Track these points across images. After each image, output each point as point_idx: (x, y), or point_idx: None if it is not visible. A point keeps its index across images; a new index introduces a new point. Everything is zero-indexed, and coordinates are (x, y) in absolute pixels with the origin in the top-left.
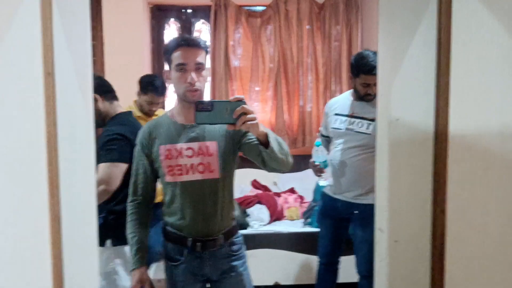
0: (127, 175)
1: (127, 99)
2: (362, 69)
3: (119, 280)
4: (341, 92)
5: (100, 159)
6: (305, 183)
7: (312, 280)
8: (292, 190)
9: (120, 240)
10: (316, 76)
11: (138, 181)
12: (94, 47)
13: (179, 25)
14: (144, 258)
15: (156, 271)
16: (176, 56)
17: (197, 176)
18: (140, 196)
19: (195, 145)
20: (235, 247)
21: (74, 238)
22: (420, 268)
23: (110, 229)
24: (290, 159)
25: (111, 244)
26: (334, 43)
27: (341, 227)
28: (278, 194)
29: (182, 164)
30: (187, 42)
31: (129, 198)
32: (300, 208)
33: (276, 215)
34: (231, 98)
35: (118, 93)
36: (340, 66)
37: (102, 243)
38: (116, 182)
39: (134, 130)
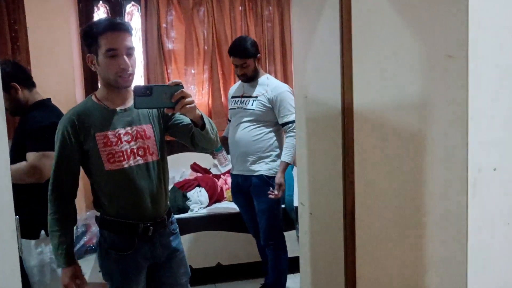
0: None
1: (54, 86)
2: (229, 51)
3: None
4: (275, 72)
5: (28, 147)
6: None
7: (254, 258)
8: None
9: None
10: None
11: (63, 175)
12: (17, 33)
13: (108, 8)
14: (74, 254)
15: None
16: (105, 41)
17: (139, 160)
18: (65, 191)
19: (132, 129)
20: (173, 226)
21: None
22: (336, 237)
23: (43, 219)
24: (218, 138)
25: (45, 234)
26: (267, 24)
27: (251, 201)
28: (217, 176)
29: (122, 150)
30: (115, 26)
31: (52, 194)
32: None
33: (216, 197)
34: (169, 82)
35: (46, 81)
36: (274, 47)
37: (36, 235)
38: (48, 172)
39: (58, 116)
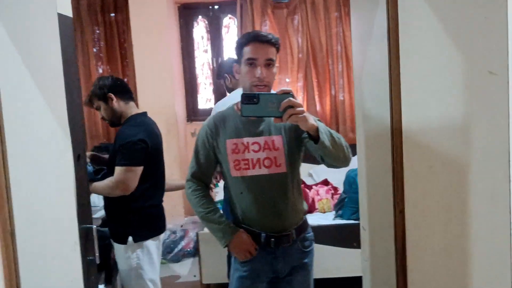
0: (142, 174)
1: (156, 98)
2: None
3: (145, 274)
4: None
5: (116, 162)
6: (340, 174)
7: (346, 273)
8: (325, 182)
9: (140, 235)
10: (346, 63)
11: (198, 172)
12: (125, 50)
13: (207, 22)
14: (231, 225)
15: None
16: (247, 51)
17: (264, 171)
18: (199, 179)
19: (261, 139)
20: (306, 243)
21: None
22: (388, 272)
23: (130, 226)
24: (348, 155)
25: (133, 240)
26: None
27: None
28: (309, 187)
29: (248, 159)
30: (258, 37)
31: (190, 189)
32: (332, 200)
33: (308, 209)
34: (277, 90)
35: (148, 93)
36: None
37: (124, 240)
38: (133, 185)
39: (149, 131)
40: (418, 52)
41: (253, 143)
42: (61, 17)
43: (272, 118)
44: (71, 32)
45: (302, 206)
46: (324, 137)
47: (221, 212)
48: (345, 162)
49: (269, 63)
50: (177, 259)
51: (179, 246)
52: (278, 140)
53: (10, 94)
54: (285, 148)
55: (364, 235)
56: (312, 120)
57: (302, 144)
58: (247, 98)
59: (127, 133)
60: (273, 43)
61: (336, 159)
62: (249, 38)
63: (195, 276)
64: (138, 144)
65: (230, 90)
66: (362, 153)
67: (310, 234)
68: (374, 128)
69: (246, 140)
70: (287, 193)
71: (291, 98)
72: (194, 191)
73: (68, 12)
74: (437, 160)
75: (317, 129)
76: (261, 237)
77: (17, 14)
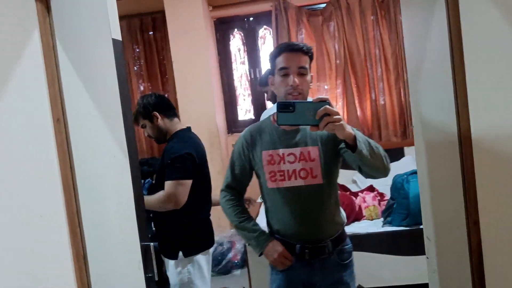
0: (191, 187)
1: (197, 113)
2: None
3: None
4: None
5: (166, 176)
6: (385, 179)
7: (397, 282)
8: (371, 188)
9: (191, 250)
10: (385, 67)
11: (234, 181)
12: (164, 67)
13: (243, 34)
14: (265, 233)
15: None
16: (280, 61)
17: (300, 182)
18: (234, 189)
19: (297, 150)
20: (345, 256)
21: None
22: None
23: (181, 241)
24: (387, 165)
25: (183, 255)
26: (401, 30)
27: None
28: (355, 194)
29: (284, 170)
30: (289, 47)
31: (224, 198)
32: (379, 207)
33: (354, 216)
34: (314, 98)
35: (189, 107)
36: None
37: (175, 255)
38: (183, 199)
39: (195, 146)
40: (485, 56)
41: (288, 154)
42: (114, 42)
43: (308, 129)
44: (122, 55)
45: (339, 218)
46: (362, 146)
47: (255, 221)
48: (384, 172)
49: (302, 71)
50: (225, 271)
51: (227, 258)
52: (314, 151)
53: (76, 121)
54: (321, 159)
55: (430, 246)
56: (349, 128)
57: (339, 155)
58: (283, 106)
59: (175, 148)
60: (305, 52)
61: (375, 168)
62: (281, 49)
63: (244, 287)
64: (186, 158)
65: (274, 99)
66: (423, 161)
67: (348, 246)
68: (435, 134)
69: (281, 151)
70: (323, 204)
71: (327, 106)
72: (229, 200)
73: (119, 36)
74: None
75: (354, 138)
76: (296, 248)
77: (77, 42)
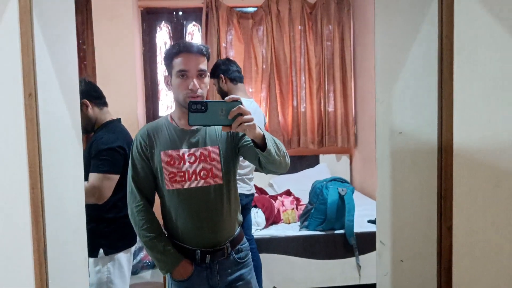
0: (117, 183)
1: (117, 104)
2: None
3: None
4: (334, 92)
5: (92, 168)
6: (301, 184)
7: (311, 284)
8: (288, 192)
9: (112, 248)
10: (309, 76)
11: (140, 185)
12: (85, 52)
13: (170, 28)
14: (177, 253)
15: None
16: (178, 62)
17: (200, 183)
18: (144, 199)
19: (197, 151)
20: (242, 254)
21: (62, 254)
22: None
23: (102, 238)
24: (288, 161)
25: (104, 253)
26: (326, 43)
27: None
28: (274, 197)
29: (184, 171)
30: (188, 48)
31: (133, 204)
32: (297, 211)
33: (273, 219)
34: (226, 98)
35: (110, 99)
36: (333, 65)
37: (95, 253)
38: (107, 194)
39: (127, 139)
40: (477, 65)
41: (189, 155)
42: None
43: (208, 129)
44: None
45: (237, 217)
46: (270, 145)
47: (165, 237)
48: (285, 168)
49: (201, 74)
50: (134, 271)
51: (138, 258)
52: (214, 150)
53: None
54: (221, 158)
55: (384, 250)
56: (258, 128)
57: (237, 153)
58: (195, 106)
59: (105, 139)
60: (204, 53)
61: (279, 165)
62: (179, 49)
63: None
64: (117, 151)
65: (222, 92)
66: (385, 168)
67: (245, 245)
68: (406, 142)
69: (182, 151)
70: (223, 205)
71: (240, 106)
72: (140, 211)
73: None
74: (503, 178)
75: (263, 137)
76: (196, 254)
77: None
